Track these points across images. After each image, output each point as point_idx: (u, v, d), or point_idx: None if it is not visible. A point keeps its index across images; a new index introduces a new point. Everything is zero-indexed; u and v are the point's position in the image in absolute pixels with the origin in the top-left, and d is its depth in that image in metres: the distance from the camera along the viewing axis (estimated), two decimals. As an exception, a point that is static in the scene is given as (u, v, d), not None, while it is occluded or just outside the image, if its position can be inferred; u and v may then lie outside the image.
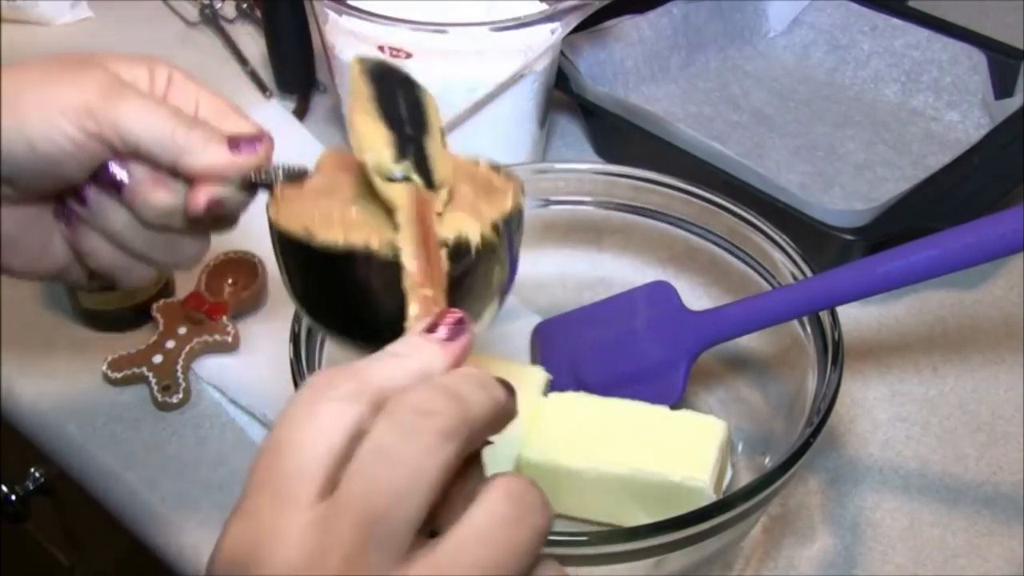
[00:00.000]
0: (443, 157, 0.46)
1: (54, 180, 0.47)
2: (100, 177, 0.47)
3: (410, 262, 0.41)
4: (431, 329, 0.38)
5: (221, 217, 0.49)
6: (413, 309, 0.41)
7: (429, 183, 0.45)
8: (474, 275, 0.44)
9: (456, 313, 0.39)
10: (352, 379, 0.35)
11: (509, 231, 0.45)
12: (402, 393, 0.35)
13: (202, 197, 0.47)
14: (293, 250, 0.45)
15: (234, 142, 0.47)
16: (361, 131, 0.45)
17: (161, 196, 0.48)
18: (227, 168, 0.47)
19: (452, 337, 0.38)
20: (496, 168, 0.47)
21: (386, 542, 0.32)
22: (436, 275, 0.42)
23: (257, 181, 0.48)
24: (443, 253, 0.42)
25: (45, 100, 0.45)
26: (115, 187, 0.47)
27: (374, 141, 0.45)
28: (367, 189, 0.45)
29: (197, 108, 0.49)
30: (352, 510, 0.32)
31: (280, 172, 0.48)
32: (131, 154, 0.47)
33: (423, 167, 0.45)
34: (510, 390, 0.37)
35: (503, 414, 0.37)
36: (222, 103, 0.50)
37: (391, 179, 0.44)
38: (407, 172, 0.44)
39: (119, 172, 0.47)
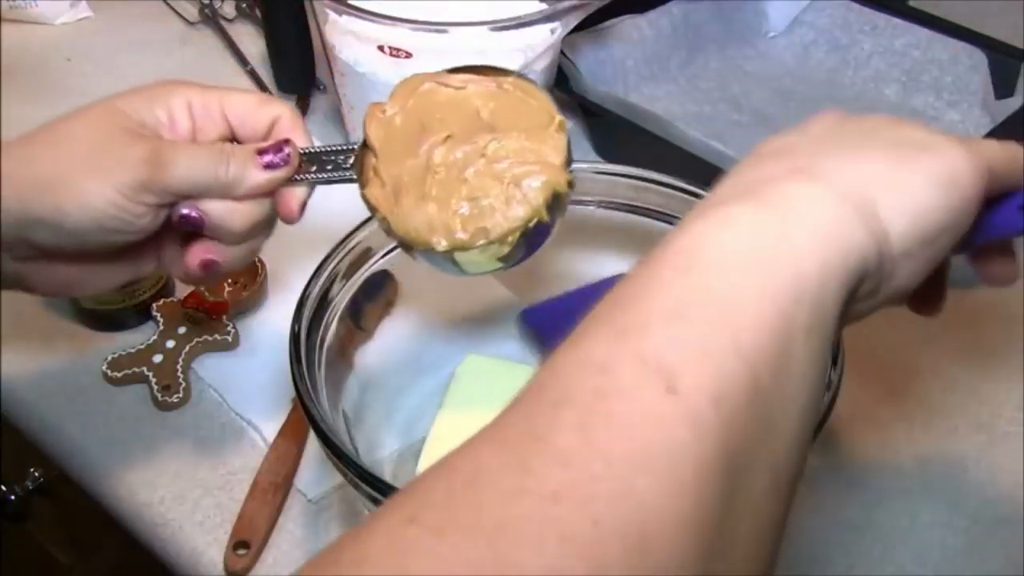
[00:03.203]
0: None
1: (124, 240, 0.51)
2: (180, 223, 0.51)
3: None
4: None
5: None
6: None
7: None
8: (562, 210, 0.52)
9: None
10: None
11: (571, 158, 0.52)
12: None
13: (295, 207, 0.53)
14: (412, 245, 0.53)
15: (265, 159, 0.51)
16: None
17: (238, 220, 0.52)
18: (270, 185, 0.52)
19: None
20: (524, 86, 0.53)
21: None
22: None
23: (327, 178, 0.53)
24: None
25: (101, 183, 0.49)
26: (196, 226, 0.51)
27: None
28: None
29: (225, 118, 0.53)
30: None
31: (341, 159, 0.53)
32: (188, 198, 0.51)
33: None
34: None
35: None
36: (247, 98, 0.54)
37: None
38: None
39: (194, 212, 0.51)
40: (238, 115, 0.53)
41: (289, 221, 0.54)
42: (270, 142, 0.52)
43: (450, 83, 0.53)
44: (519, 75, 0.53)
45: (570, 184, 0.51)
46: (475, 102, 0.52)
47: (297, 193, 0.53)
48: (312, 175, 0.53)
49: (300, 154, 0.52)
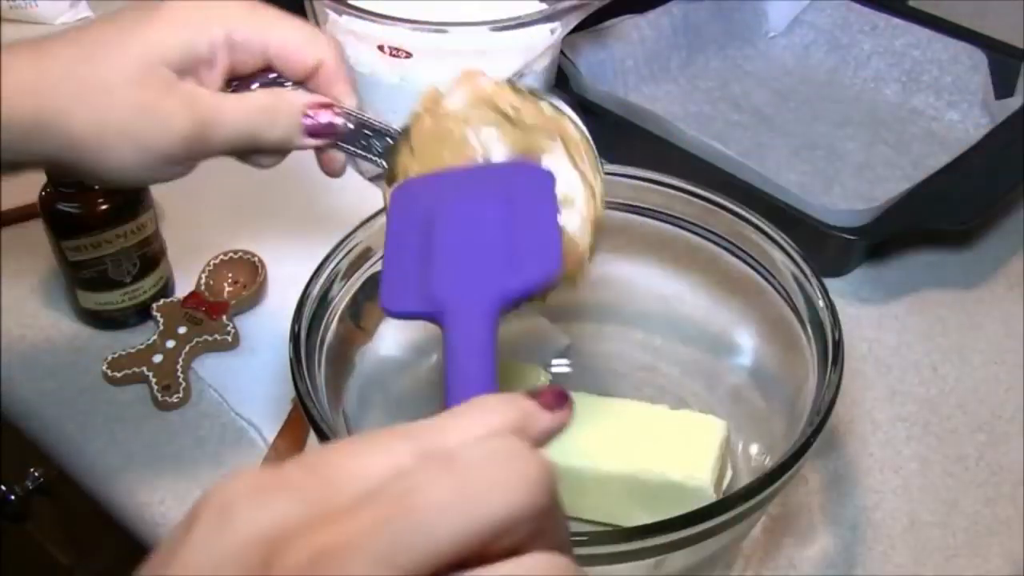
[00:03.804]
0: None
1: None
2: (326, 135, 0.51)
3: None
4: (531, 396, 0.33)
5: None
6: None
7: None
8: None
9: (559, 387, 0.34)
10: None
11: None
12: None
13: (337, 168, 0.54)
14: None
15: (310, 126, 0.51)
16: None
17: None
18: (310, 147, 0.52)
19: (554, 407, 0.33)
20: (534, 98, 0.51)
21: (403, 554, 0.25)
22: None
23: (360, 154, 0.52)
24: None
25: (142, 153, 0.48)
26: (334, 128, 0.51)
27: None
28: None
29: (265, 54, 0.51)
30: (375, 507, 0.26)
31: (376, 142, 0.52)
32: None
33: None
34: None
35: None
36: (290, 37, 0.51)
37: None
38: None
39: (336, 119, 0.51)
40: (280, 54, 0.51)
41: (332, 176, 0.54)
42: (318, 104, 0.51)
43: (501, 103, 0.51)
44: (577, 128, 0.52)
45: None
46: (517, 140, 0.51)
47: (338, 156, 0.53)
48: (348, 146, 0.52)
49: (345, 127, 0.51)
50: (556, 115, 0.51)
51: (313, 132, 0.50)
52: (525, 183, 0.48)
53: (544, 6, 0.76)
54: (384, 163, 0.52)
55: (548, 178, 0.49)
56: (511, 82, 0.51)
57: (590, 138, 0.51)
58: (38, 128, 0.47)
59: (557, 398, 0.33)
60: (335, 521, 0.26)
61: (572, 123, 0.51)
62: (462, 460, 0.27)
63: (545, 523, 0.28)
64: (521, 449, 0.28)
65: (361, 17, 0.72)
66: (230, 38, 0.50)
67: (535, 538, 0.27)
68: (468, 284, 0.42)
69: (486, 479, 0.27)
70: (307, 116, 0.50)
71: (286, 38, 0.51)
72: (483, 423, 0.30)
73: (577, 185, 0.50)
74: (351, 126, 0.52)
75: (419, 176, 0.51)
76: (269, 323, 0.72)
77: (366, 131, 0.52)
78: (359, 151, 0.52)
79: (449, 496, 0.26)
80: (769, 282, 0.61)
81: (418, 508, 0.26)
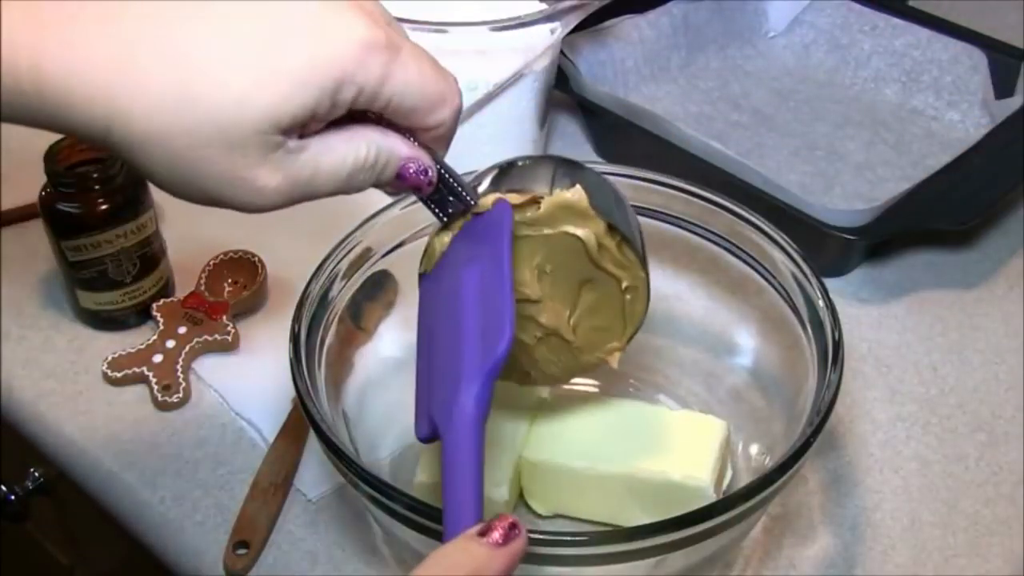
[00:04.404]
0: None
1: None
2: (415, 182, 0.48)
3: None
4: (484, 533, 0.40)
5: None
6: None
7: None
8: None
9: (510, 518, 0.40)
10: None
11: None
12: None
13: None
14: None
15: (405, 182, 0.47)
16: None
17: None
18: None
19: (505, 541, 0.40)
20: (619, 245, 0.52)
21: None
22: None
23: (426, 203, 0.50)
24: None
25: (229, 204, 0.44)
26: (421, 187, 0.48)
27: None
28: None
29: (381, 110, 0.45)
30: None
31: (448, 203, 0.50)
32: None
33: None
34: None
35: None
36: (413, 109, 0.45)
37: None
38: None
39: (428, 173, 0.47)
40: (398, 113, 0.45)
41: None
42: (417, 157, 0.47)
43: (578, 228, 0.51)
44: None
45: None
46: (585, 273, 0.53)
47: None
48: (423, 197, 0.50)
49: (432, 181, 0.48)
50: (635, 265, 0.53)
51: (403, 181, 0.47)
52: (493, 233, 0.50)
53: (544, 6, 0.76)
54: (445, 219, 0.51)
55: (507, 219, 0.50)
56: (613, 226, 0.51)
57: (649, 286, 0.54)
58: (106, 138, 0.41)
59: (508, 532, 0.40)
60: None
61: (645, 277, 0.53)
62: None
63: None
64: None
65: (361, 17, 0.72)
66: (358, 96, 0.43)
67: None
68: (450, 403, 0.45)
69: None
70: (403, 167, 0.47)
71: (414, 103, 0.45)
72: None
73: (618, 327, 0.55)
74: (436, 180, 0.49)
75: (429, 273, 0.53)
76: (269, 323, 0.72)
77: (444, 188, 0.49)
78: (429, 202, 0.50)
79: None
80: (769, 282, 0.61)
81: None
